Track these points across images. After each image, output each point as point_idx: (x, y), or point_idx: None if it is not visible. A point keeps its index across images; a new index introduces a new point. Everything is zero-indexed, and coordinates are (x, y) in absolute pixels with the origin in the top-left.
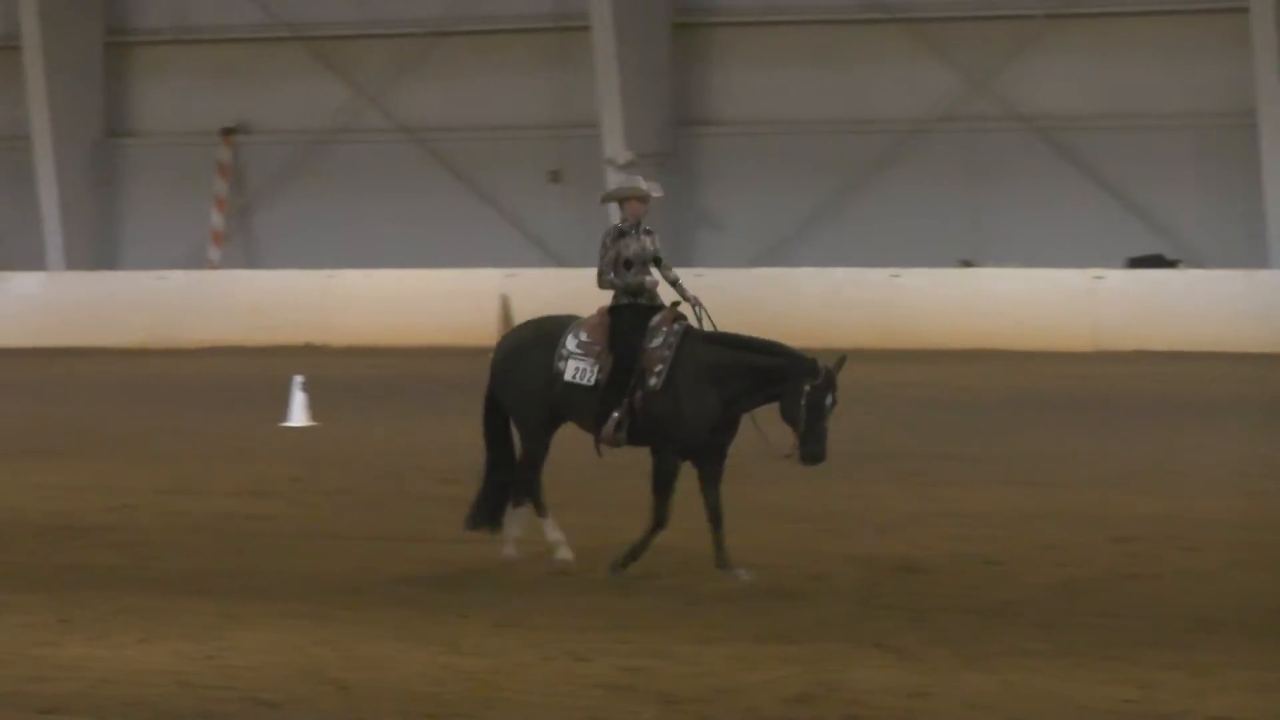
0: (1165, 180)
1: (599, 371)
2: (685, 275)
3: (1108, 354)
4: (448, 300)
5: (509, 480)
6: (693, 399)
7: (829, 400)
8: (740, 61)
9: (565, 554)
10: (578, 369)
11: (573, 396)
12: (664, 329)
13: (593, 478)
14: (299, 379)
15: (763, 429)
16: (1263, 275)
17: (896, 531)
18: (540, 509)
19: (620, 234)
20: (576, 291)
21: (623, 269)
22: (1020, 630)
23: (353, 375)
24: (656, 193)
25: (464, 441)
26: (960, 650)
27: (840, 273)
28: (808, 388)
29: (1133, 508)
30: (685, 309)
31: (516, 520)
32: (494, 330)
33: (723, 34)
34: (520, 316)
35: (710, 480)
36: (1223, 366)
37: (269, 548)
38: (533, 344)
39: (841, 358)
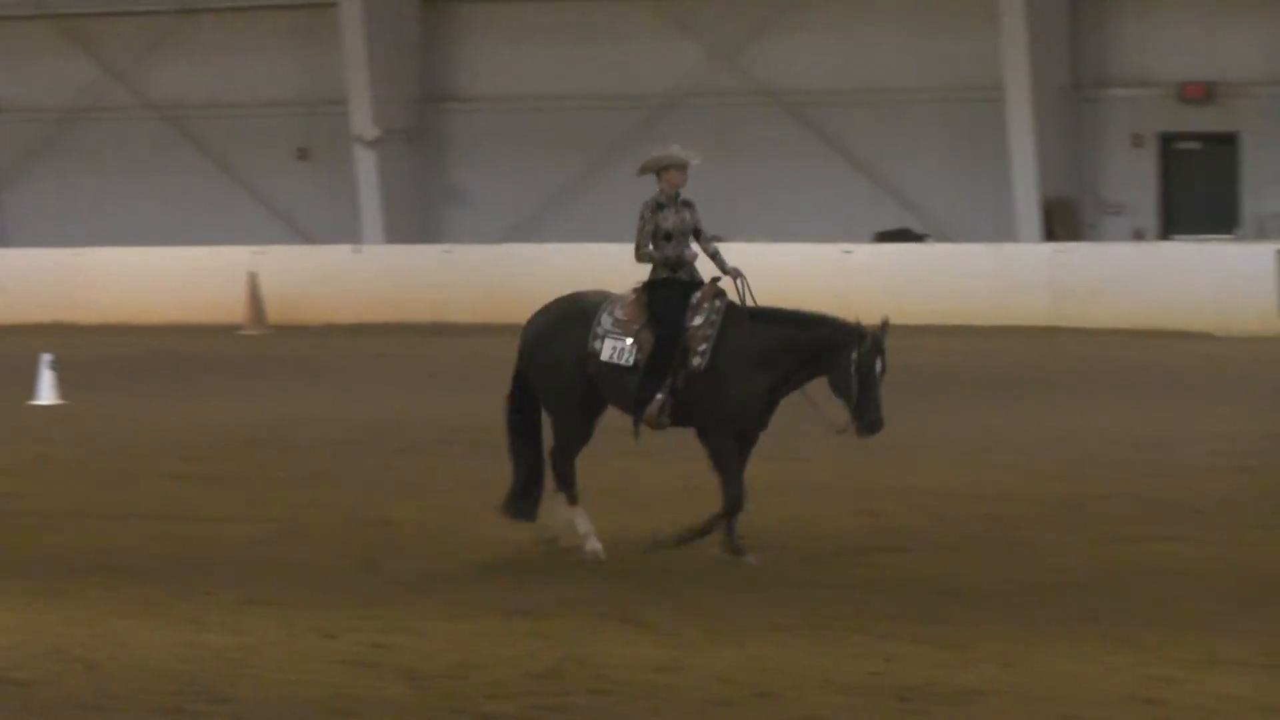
0: (913, 155)
1: (637, 351)
2: (433, 252)
3: None
4: (196, 278)
5: (540, 467)
6: (739, 381)
7: (879, 366)
8: (490, 38)
9: (595, 545)
10: (615, 348)
11: (609, 377)
12: (705, 306)
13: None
14: (47, 357)
15: (816, 403)
16: (1009, 249)
17: (644, 507)
18: (571, 498)
19: (659, 206)
20: (326, 270)
21: (662, 241)
22: (768, 603)
23: (101, 354)
24: (696, 160)
25: (212, 420)
26: (708, 624)
27: (590, 248)
28: (855, 356)
29: (881, 481)
30: (725, 283)
31: (580, 514)
32: (243, 308)
33: (472, 10)
34: (269, 294)
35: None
36: (969, 340)
37: (17, 527)
38: (565, 322)
39: (884, 320)
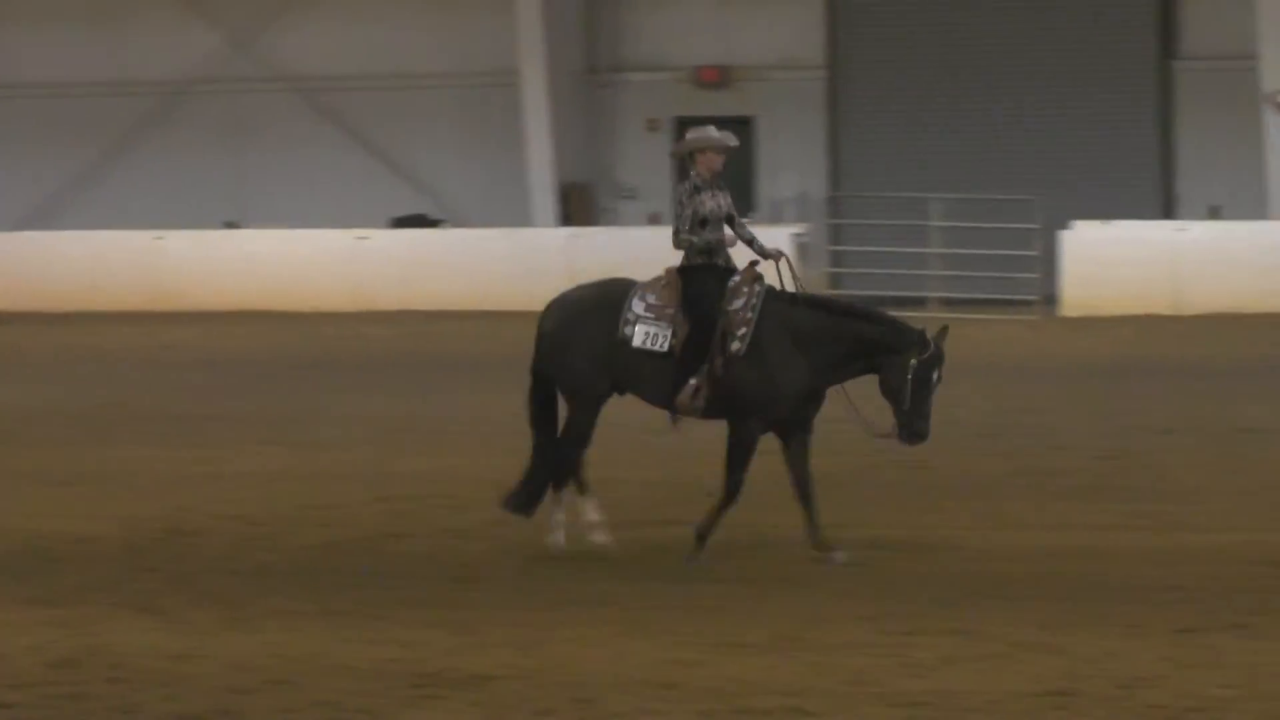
0: (429, 140)
1: (672, 336)
2: None
3: (371, 314)
4: None
5: (554, 464)
6: (780, 364)
7: (936, 376)
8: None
9: (603, 537)
10: (648, 334)
11: (641, 364)
12: (745, 289)
13: None
14: None
15: (856, 405)
16: (525, 233)
17: (160, 493)
18: (582, 486)
19: (696, 189)
20: None
21: (698, 227)
22: (283, 591)
23: None
24: (733, 141)
25: None
26: (223, 612)
27: (103, 236)
28: (914, 362)
29: (396, 466)
30: (764, 268)
31: (560, 504)
32: None
33: None
34: None
35: (798, 453)
36: (486, 325)
37: None
38: (592, 308)
39: (943, 328)
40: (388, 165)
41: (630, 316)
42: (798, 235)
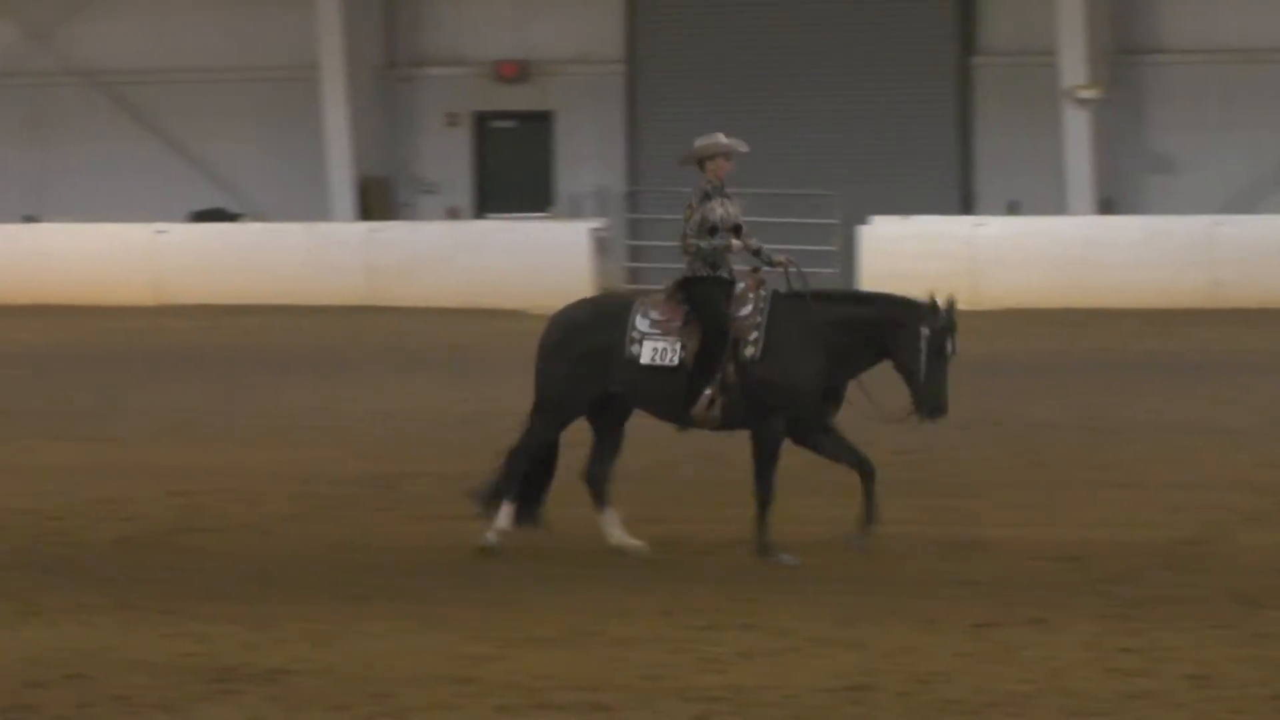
0: (227, 135)
1: (681, 350)
2: None
3: (169, 308)
4: None
5: (604, 473)
6: (797, 362)
7: (950, 345)
8: None
9: (493, 539)
10: (656, 349)
11: (650, 380)
12: (751, 295)
13: None
14: None
15: (869, 392)
16: (324, 228)
17: None
18: (512, 497)
19: (706, 195)
20: None
21: (706, 235)
22: (79, 585)
23: None
24: (743, 148)
25: None
26: (19, 605)
27: None
28: (927, 332)
29: (194, 461)
30: (767, 274)
31: (613, 522)
32: None
33: None
34: None
35: (835, 443)
36: (285, 319)
37: None
38: (594, 323)
39: (950, 298)
40: (187, 159)
41: (636, 334)
42: (596, 230)
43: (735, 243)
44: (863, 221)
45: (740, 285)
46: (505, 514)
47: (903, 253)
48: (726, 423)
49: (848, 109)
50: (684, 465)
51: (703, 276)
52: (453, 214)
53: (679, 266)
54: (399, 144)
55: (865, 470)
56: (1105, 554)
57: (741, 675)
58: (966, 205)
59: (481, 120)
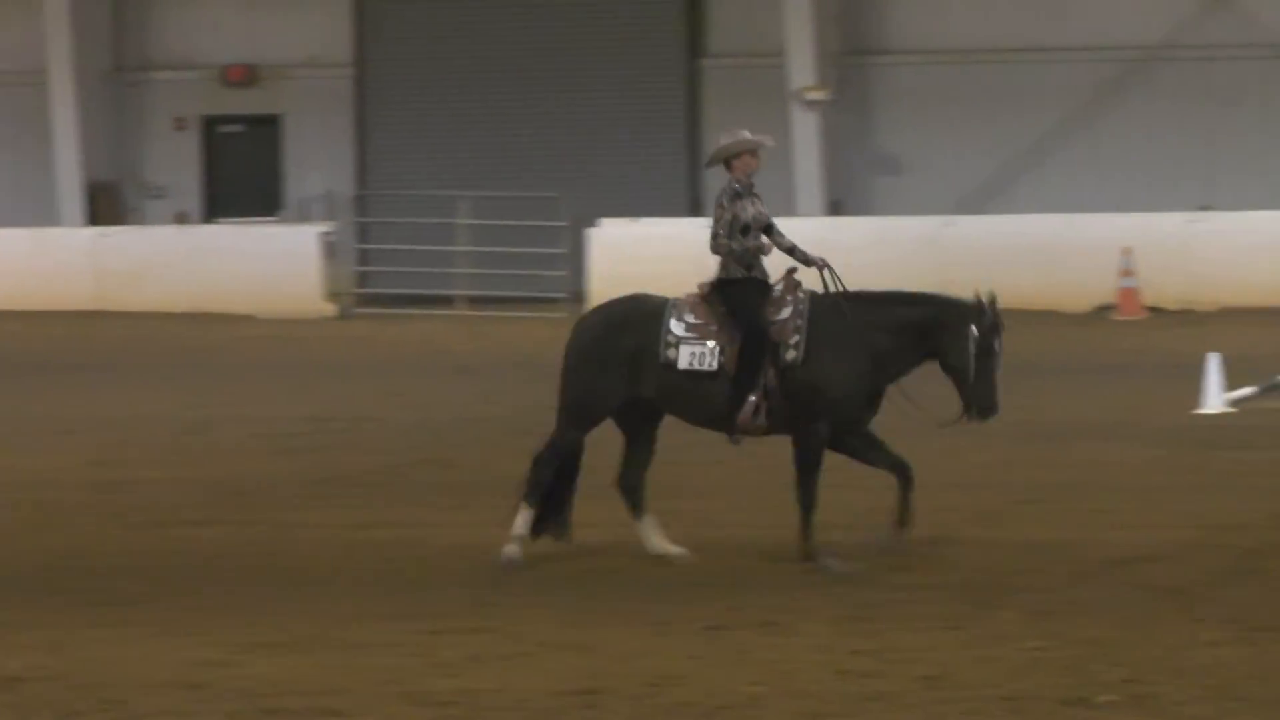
0: None
1: (720, 354)
2: None
3: None
4: None
5: (638, 480)
6: (841, 365)
7: (998, 343)
8: None
9: (513, 551)
10: (694, 354)
11: (688, 386)
12: (789, 298)
13: None
14: None
15: (912, 397)
16: (52, 233)
17: None
18: (532, 502)
19: (736, 195)
20: None
21: (739, 235)
22: None
23: None
24: (770, 142)
25: None
26: None
27: None
28: (975, 332)
29: None
30: (804, 274)
31: (652, 528)
32: None
33: None
34: None
35: (866, 447)
36: (13, 325)
37: None
38: (624, 326)
39: (991, 294)
40: None
41: (671, 339)
42: (325, 234)
43: (767, 242)
44: (591, 224)
45: (778, 288)
46: (523, 519)
47: (632, 255)
48: (773, 428)
49: (577, 111)
50: (414, 469)
51: (738, 278)
52: (181, 219)
53: (410, 270)
54: (127, 148)
55: (903, 474)
56: (838, 554)
57: (473, 679)
58: (695, 207)
59: (210, 124)
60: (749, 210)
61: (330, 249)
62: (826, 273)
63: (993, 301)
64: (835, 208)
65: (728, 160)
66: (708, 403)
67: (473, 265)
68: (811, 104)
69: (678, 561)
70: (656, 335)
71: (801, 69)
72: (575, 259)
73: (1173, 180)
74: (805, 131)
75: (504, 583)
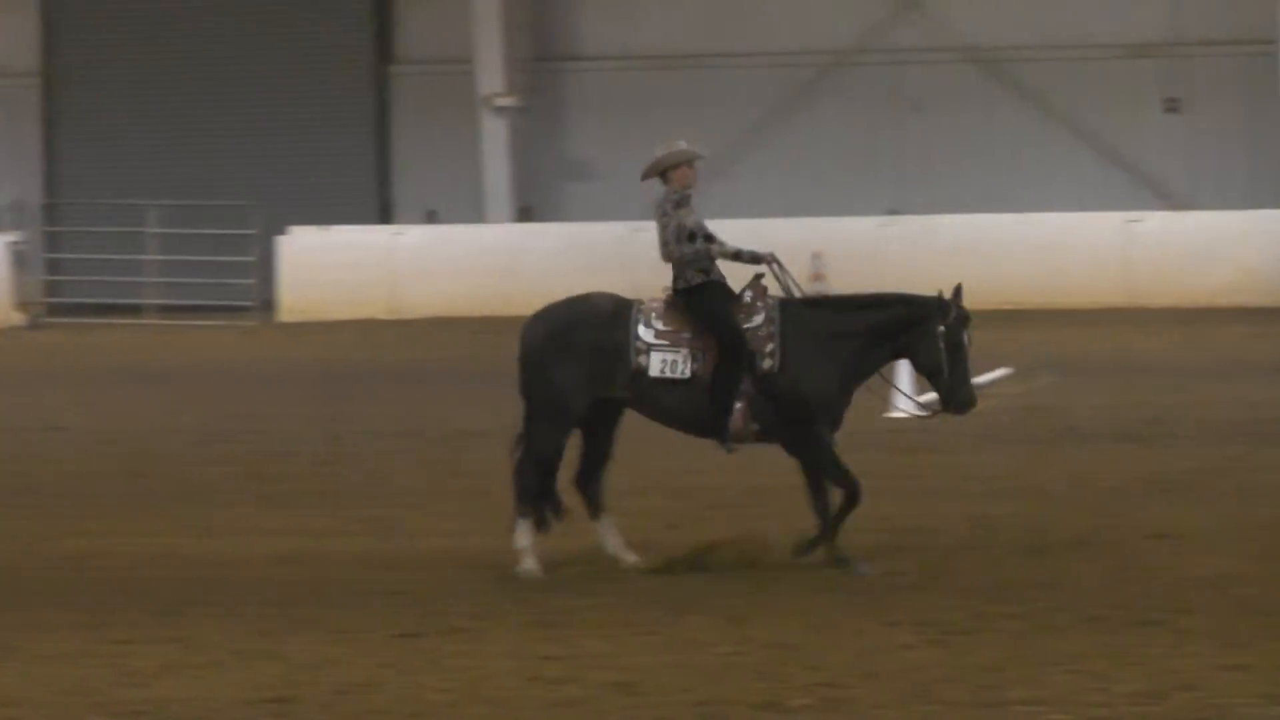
0: None
1: (694, 362)
2: None
3: None
4: None
5: (598, 475)
6: (816, 373)
7: (966, 337)
8: None
9: (530, 566)
10: (665, 361)
11: (662, 394)
12: (760, 304)
13: None
14: None
15: (897, 387)
16: None
17: None
18: (526, 513)
19: (678, 204)
20: None
21: (687, 241)
22: None
23: None
24: (705, 154)
25: None
26: None
27: None
28: (942, 328)
29: None
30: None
31: (609, 529)
32: None
33: None
34: None
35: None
36: None
37: None
38: (589, 321)
39: (956, 286)
40: None
41: (641, 345)
42: (14, 243)
43: (715, 248)
44: (281, 232)
45: (747, 294)
46: (523, 531)
47: (322, 263)
48: (766, 436)
49: (265, 119)
50: (101, 479)
51: (700, 284)
52: None
53: (102, 279)
54: None
55: (849, 499)
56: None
57: (164, 689)
58: (385, 214)
59: None
60: (690, 218)
61: (19, 258)
62: (775, 267)
63: (957, 295)
64: (525, 214)
65: (664, 172)
66: (682, 410)
67: (162, 274)
68: (500, 110)
69: (629, 569)
70: (625, 337)
71: (490, 75)
72: (265, 267)
73: (863, 185)
74: (494, 138)
75: (193, 595)
